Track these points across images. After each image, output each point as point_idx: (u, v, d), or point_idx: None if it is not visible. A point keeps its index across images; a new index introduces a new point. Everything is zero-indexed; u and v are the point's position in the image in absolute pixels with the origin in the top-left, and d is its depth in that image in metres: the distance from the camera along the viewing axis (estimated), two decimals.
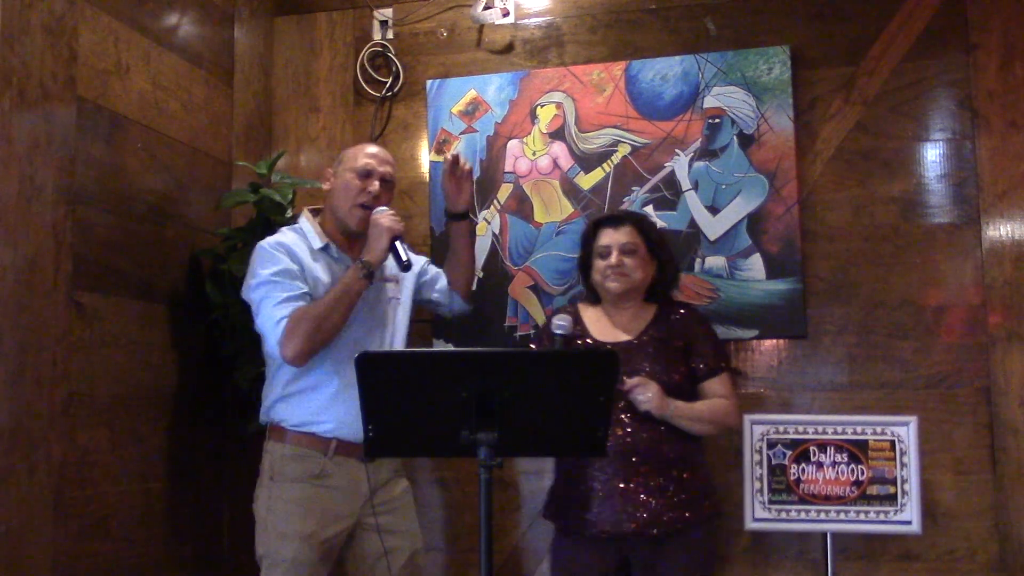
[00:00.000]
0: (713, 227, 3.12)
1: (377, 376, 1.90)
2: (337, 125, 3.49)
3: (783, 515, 2.80)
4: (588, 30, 3.32)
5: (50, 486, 2.43)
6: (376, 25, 3.48)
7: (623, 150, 3.20)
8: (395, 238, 2.56)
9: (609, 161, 3.21)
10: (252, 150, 3.40)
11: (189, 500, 3.02)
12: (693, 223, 3.13)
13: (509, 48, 3.38)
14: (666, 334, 2.67)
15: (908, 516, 2.75)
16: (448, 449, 2.02)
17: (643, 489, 2.53)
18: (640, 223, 2.75)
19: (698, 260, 3.11)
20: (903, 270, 3.02)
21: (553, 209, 3.24)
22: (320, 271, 2.62)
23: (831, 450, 2.80)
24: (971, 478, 2.92)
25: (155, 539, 2.86)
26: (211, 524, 3.15)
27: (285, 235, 2.66)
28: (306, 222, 2.70)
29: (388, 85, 3.44)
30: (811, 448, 2.81)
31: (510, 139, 3.29)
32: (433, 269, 2.95)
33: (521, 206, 3.26)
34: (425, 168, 3.38)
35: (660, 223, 3.06)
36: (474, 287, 3.06)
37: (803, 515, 2.79)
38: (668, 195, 3.16)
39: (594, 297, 2.80)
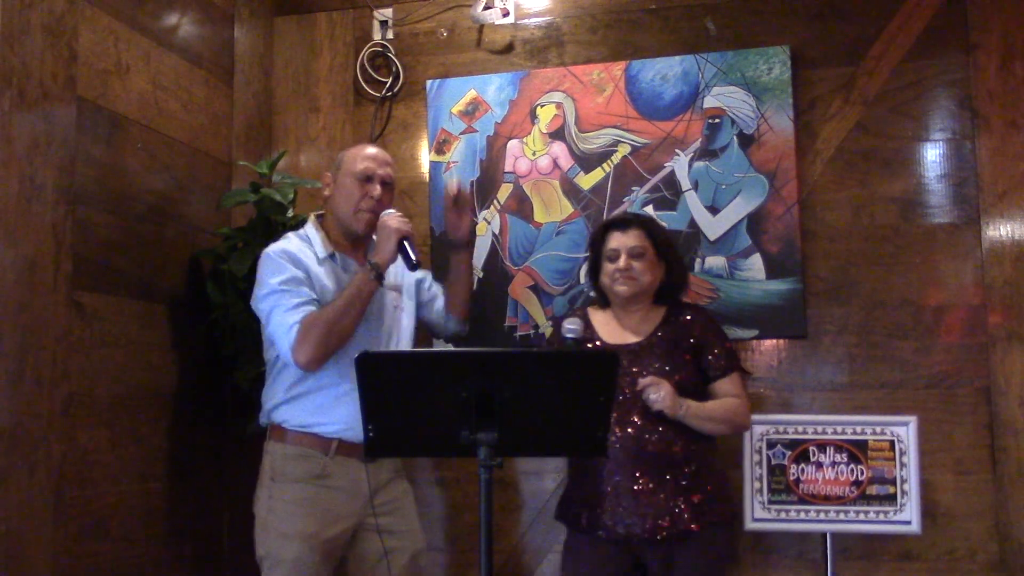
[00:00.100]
0: (713, 227, 3.12)
1: (377, 376, 1.91)
2: (337, 125, 3.49)
3: (783, 515, 2.81)
4: (588, 30, 3.32)
5: (50, 486, 2.43)
6: (376, 25, 3.48)
7: (623, 150, 3.20)
8: (403, 239, 2.56)
9: (609, 161, 3.21)
10: (252, 150, 3.40)
11: (189, 500, 3.02)
12: (693, 223, 3.13)
13: (509, 48, 3.38)
14: (675, 336, 2.66)
15: (908, 516, 2.75)
16: (448, 449, 2.03)
17: (658, 490, 2.52)
18: (648, 226, 2.74)
19: (698, 260, 3.11)
20: (903, 270, 3.02)
21: (553, 209, 3.24)
22: (326, 278, 2.61)
23: (831, 450, 2.80)
24: (971, 478, 2.92)
25: (155, 539, 2.86)
26: (211, 524, 3.15)
27: (290, 242, 2.65)
28: (312, 229, 2.70)
29: (388, 85, 3.43)
30: (811, 448, 2.81)
31: (510, 139, 3.29)
32: (435, 286, 2.94)
33: (521, 206, 3.26)
34: (425, 168, 3.38)
35: (660, 223, 3.06)
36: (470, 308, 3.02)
37: (803, 515, 2.79)
38: (668, 195, 3.16)
39: (603, 300, 2.79)
